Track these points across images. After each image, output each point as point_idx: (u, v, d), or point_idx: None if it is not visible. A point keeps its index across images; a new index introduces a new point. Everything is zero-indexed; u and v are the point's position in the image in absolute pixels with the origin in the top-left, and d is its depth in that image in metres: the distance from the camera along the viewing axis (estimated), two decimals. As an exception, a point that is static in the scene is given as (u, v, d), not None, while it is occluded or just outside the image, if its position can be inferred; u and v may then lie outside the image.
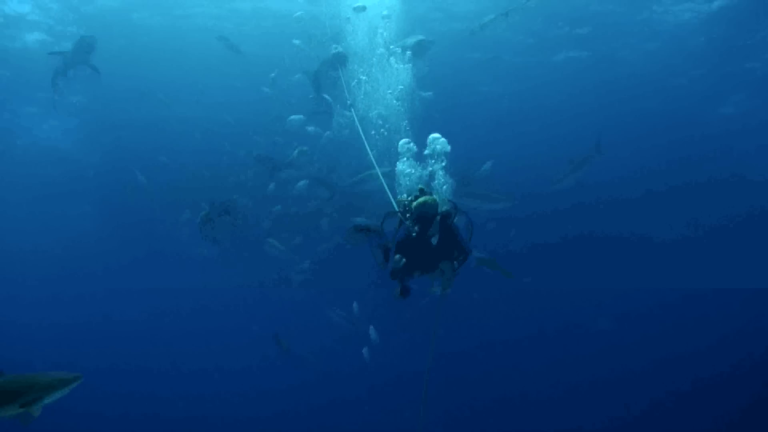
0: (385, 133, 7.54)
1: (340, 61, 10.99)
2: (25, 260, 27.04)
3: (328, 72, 11.95)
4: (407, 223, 5.44)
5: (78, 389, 4.44)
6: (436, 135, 6.00)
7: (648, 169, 23.92)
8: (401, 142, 6.30)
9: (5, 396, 3.95)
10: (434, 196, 5.41)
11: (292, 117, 13.40)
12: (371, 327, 12.83)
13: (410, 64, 9.38)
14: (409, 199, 5.58)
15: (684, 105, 21.70)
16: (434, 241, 5.43)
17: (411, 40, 12.46)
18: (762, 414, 14.09)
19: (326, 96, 12.81)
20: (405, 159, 6.12)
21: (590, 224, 22.52)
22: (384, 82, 8.97)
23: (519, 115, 22.83)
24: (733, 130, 22.58)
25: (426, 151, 5.98)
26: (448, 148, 5.92)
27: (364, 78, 9.39)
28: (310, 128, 13.77)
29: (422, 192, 5.52)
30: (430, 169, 5.93)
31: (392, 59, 9.34)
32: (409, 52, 10.27)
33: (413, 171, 6.02)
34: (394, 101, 8.54)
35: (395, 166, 6.21)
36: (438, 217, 5.37)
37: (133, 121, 21.07)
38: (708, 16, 16.34)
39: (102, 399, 16.80)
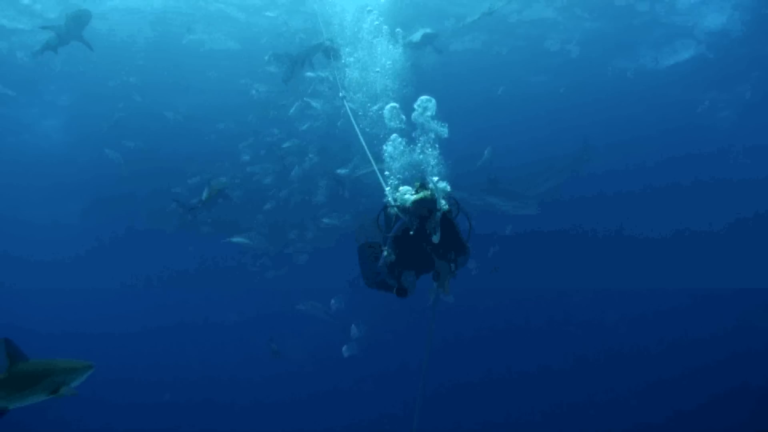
0: (374, 116, 7.01)
1: (331, 54, 10.54)
2: (24, 260, 26.98)
3: (311, 59, 11.63)
4: (405, 218, 5.17)
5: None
6: (426, 98, 5.56)
7: (648, 168, 23.89)
8: (387, 106, 5.88)
9: (33, 379, 4.01)
10: (432, 191, 5.14)
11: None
12: (353, 325, 12.73)
13: (401, 48, 8.78)
14: (407, 193, 5.33)
15: (684, 105, 21.73)
16: (436, 239, 5.13)
17: (416, 35, 12.26)
18: (762, 414, 14.05)
19: (287, 84, 12.56)
20: (395, 136, 5.73)
21: (590, 224, 22.48)
22: (372, 62, 8.42)
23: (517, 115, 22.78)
24: (733, 130, 22.58)
25: (413, 115, 5.56)
26: (445, 132, 5.53)
27: (351, 59, 8.88)
28: (304, 126, 13.69)
29: (422, 186, 5.30)
30: (422, 156, 5.59)
31: (380, 40, 8.67)
32: (399, 30, 9.75)
33: (403, 150, 5.65)
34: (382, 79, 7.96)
35: (385, 149, 5.81)
36: (439, 214, 5.11)
37: (131, 121, 20.99)
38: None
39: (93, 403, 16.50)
